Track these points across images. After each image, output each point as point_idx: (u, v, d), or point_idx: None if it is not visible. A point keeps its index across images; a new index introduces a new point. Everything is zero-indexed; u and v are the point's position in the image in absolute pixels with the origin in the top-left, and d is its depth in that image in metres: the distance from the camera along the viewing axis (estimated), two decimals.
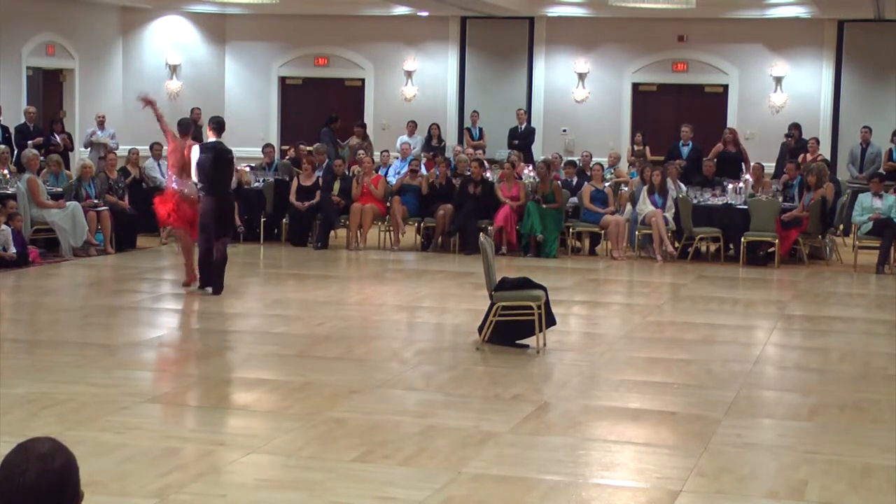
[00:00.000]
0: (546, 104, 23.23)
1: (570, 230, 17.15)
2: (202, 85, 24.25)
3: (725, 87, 22.74)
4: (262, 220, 17.75)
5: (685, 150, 19.46)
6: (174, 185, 13.20)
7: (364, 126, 22.29)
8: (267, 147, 19.92)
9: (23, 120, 19.96)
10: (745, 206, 16.55)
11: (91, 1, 22.83)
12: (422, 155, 20.51)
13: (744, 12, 22.22)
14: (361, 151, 20.11)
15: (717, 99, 22.74)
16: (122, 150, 19.78)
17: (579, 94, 23.18)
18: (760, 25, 22.44)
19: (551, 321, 10.46)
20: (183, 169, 13.06)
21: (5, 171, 16.24)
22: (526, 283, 10.54)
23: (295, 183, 17.76)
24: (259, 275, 15.48)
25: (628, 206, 17.37)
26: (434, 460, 6.96)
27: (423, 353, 10.15)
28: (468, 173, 17.60)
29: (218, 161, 12.80)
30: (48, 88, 22.65)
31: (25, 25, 21.37)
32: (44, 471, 2.84)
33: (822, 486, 6.66)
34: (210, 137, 13.08)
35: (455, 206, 17.20)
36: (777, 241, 16.15)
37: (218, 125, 13.12)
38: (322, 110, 22.97)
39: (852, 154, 20.40)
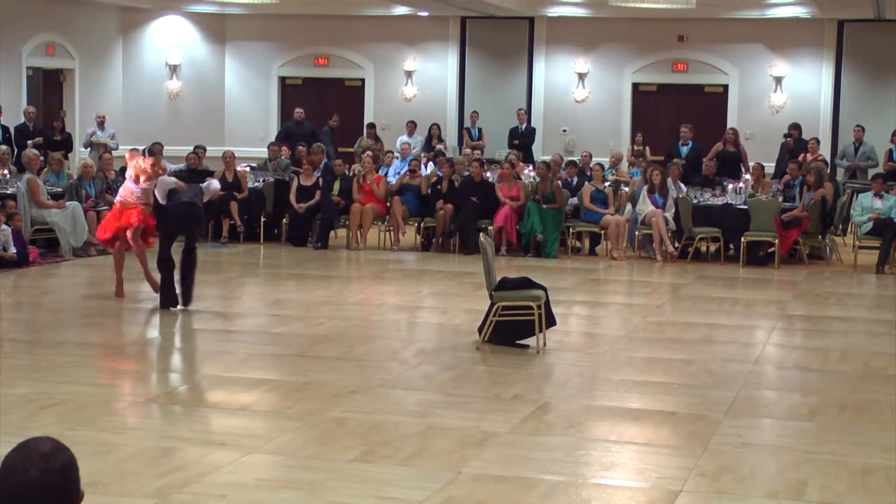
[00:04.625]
0: (546, 104, 23.23)
1: (570, 230, 17.15)
2: (202, 85, 24.26)
3: (725, 87, 22.74)
4: (262, 220, 17.75)
5: (684, 150, 19.47)
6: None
7: (374, 127, 22.39)
8: (273, 145, 19.96)
9: (23, 120, 19.96)
10: (745, 206, 16.54)
11: (91, 1, 22.81)
12: (422, 155, 20.51)
13: (744, 12, 22.22)
14: (369, 152, 20.11)
15: (717, 99, 22.73)
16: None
17: (579, 94, 23.18)
18: (760, 25, 22.44)
19: (551, 321, 10.46)
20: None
21: (5, 171, 16.23)
22: (526, 283, 10.53)
23: (295, 183, 17.76)
24: (259, 275, 15.47)
25: (628, 206, 17.37)
26: (434, 460, 6.95)
27: (423, 353, 10.15)
28: (467, 173, 17.60)
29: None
30: (48, 88, 22.65)
31: (25, 25, 21.36)
32: (46, 469, 2.84)
33: (822, 486, 6.66)
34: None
35: (455, 206, 17.20)
36: (777, 241, 16.16)
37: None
38: (322, 110, 22.99)
39: (844, 152, 20.43)
